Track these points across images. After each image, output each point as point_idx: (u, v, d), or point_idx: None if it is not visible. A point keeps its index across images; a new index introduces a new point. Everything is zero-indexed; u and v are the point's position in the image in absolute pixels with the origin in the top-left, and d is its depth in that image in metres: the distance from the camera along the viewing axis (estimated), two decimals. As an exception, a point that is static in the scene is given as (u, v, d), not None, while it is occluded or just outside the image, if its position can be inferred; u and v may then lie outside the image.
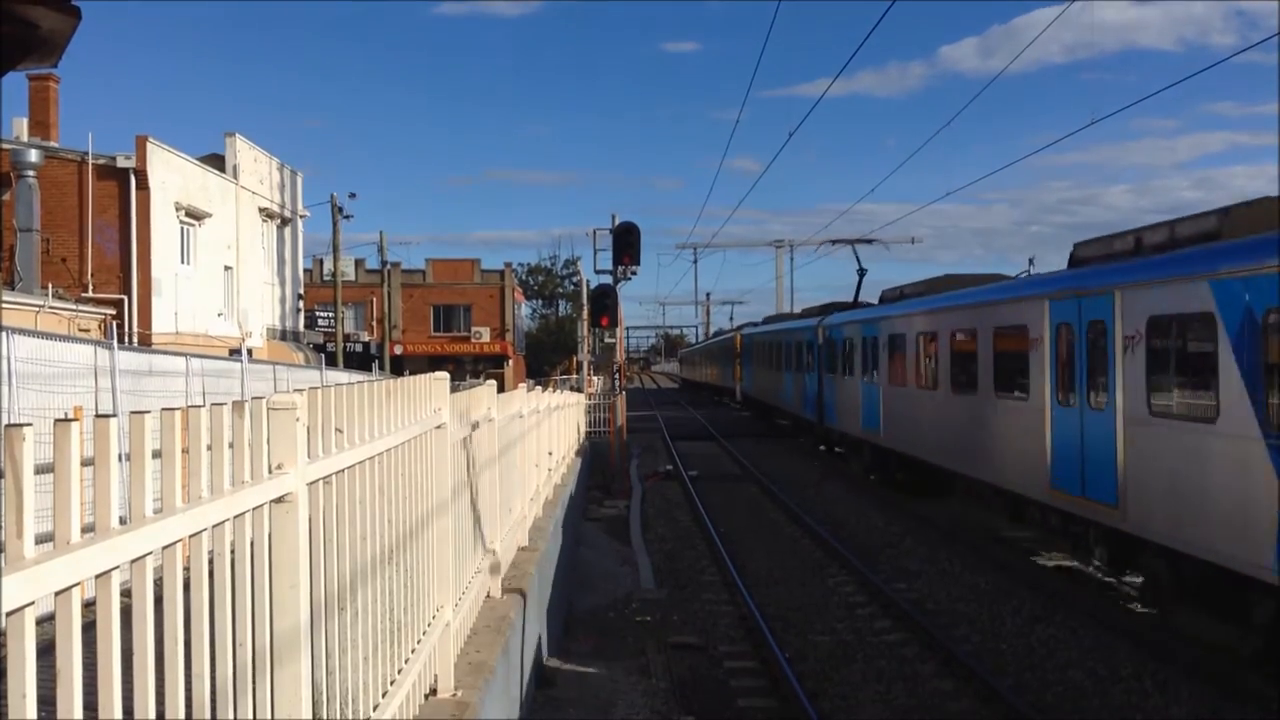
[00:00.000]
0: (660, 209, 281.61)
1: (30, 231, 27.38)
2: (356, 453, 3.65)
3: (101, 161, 28.95)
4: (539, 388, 17.23)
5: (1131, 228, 13.66)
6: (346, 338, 52.82)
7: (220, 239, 34.37)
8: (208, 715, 2.48)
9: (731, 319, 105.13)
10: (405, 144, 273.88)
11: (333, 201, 47.77)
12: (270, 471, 2.90)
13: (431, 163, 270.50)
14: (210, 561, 2.58)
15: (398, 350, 61.23)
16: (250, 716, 2.70)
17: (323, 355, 41.61)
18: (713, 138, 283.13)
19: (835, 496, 24.03)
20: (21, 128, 30.92)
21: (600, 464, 27.66)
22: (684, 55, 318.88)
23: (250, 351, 30.76)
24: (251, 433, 2.82)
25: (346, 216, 48.04)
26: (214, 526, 2.55)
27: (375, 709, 3.87)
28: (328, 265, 55.82)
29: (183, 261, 31.54)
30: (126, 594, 2.15)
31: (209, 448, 2.60)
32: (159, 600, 2.26)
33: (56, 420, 1.99)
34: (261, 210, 38.82)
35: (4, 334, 10.33)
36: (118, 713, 2.03)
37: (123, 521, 2.16)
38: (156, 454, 2.35)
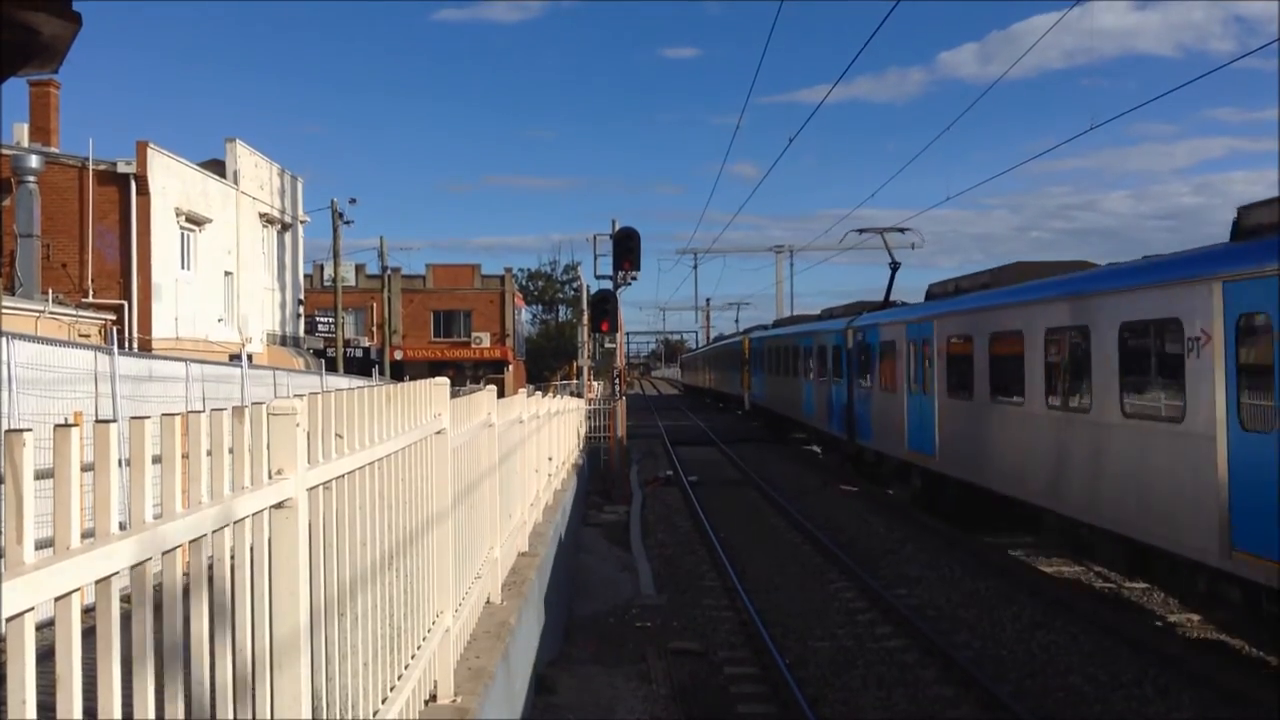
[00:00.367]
0: (660, 214, 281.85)
1: (31, 237, 27.40)
2: (356, 458, 3.65)
3: (102, 167, 28.98)
4: (539, 393, 17.23)
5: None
6: (347, 343, 52.86)
7: (220, 244, 34.39)
8: (208, 716, 2.48)
9: (737, 322, 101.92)
10: (406, 149, 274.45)
11: (333, 207, 47.83)
12: (270, 477, 2.90)
13: (432, 168, 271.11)
14: (210, 567, 2.58)
15: (398, 355, 61.24)
16: (250, 719, 2.70)
17: (323, 360, 41.62)
18: (712, 143, 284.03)
19: (836, 502, 24.01)
20: (22, 133, 30.95)
21: (600, 469, 27.64)
22: (683, 61, 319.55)
23: (250, 357, 30.75)
24: (251, 438, 2.82)
25: (347, 222, 48.13)
26: (214, 532, 2.55)
27: (375, 715, 3.87)
28: (328, 271, 55.85)
29: (183, 267, 31.56)
30: (126, 600, 2.15)
31: (209, 453, 2.60)
32: (159, 606, 2.26)
33: (56, 426, 1.99)
34: (262, 216, 38.85)
35: (4, 339, 10.33)
36: (117, 717, 2.03)
37: (123, 527, 2.16)
38: (156, 459, 2.35)
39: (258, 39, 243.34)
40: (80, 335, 24.26)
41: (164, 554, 2.27)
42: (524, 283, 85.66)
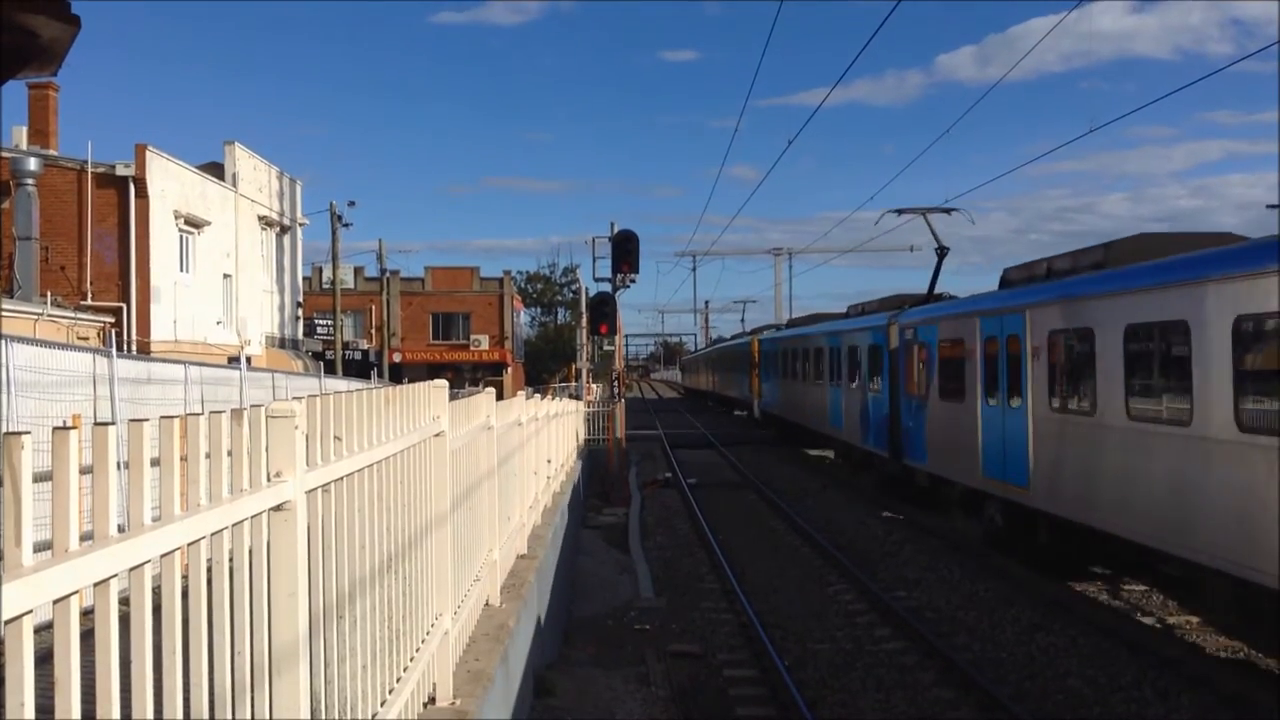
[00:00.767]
0: (659, 217, 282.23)
1: (29, 240, 27.40)
2: (355, 461, 3.65)
3: (101, 170, 28.98)
4: (538, 395, 17.22)
5: None
6: (345, 345, 52.83)
7: (219, 247, 34.38)
8: (206, 718, 2.48)
9: (743, 322, 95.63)
10: (404, 152, 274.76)
11: (332, 209, 47.82)
12: (269, 479, 2.89)
13: (431, 170, 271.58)
14: (209, 570, 2.58)
15: (397, 358, 61.22)
16: (248, 725, 2.69)
17: (322, 363, 41.59)
18: (711, 146, 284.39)
19: (835, 505, 24.01)
20: (21, 136, 30.95)
21: (599, 472, 27.64)
22: (682, 63, 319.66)
23: (249, 359, 30.74)
24: (250, 441, 2.81)
25: (345, 225, 48.11)
26: (212, 535, 2.55)
27: (374, 716, 3.87)
28: (327, 273, 55.84)
29: (182, 269, 31.55)
30: (125, 602, 2.15)
31: (207, 456, 2.60)
32: (157, 608, 2.26)
33: (55, 428, 1.99)
34: (261, 218, 38.85)
35: (3, 342, 10.33)
36: (116, 719, 2.03)
37: (121, 529, 2.16)
38: (155, 462, 2.35)
39: (257, 42, 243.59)
40: (79, 338, 24.25)
41: (162, 557, 2.27)
42: (523, 285, 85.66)
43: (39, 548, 1.87)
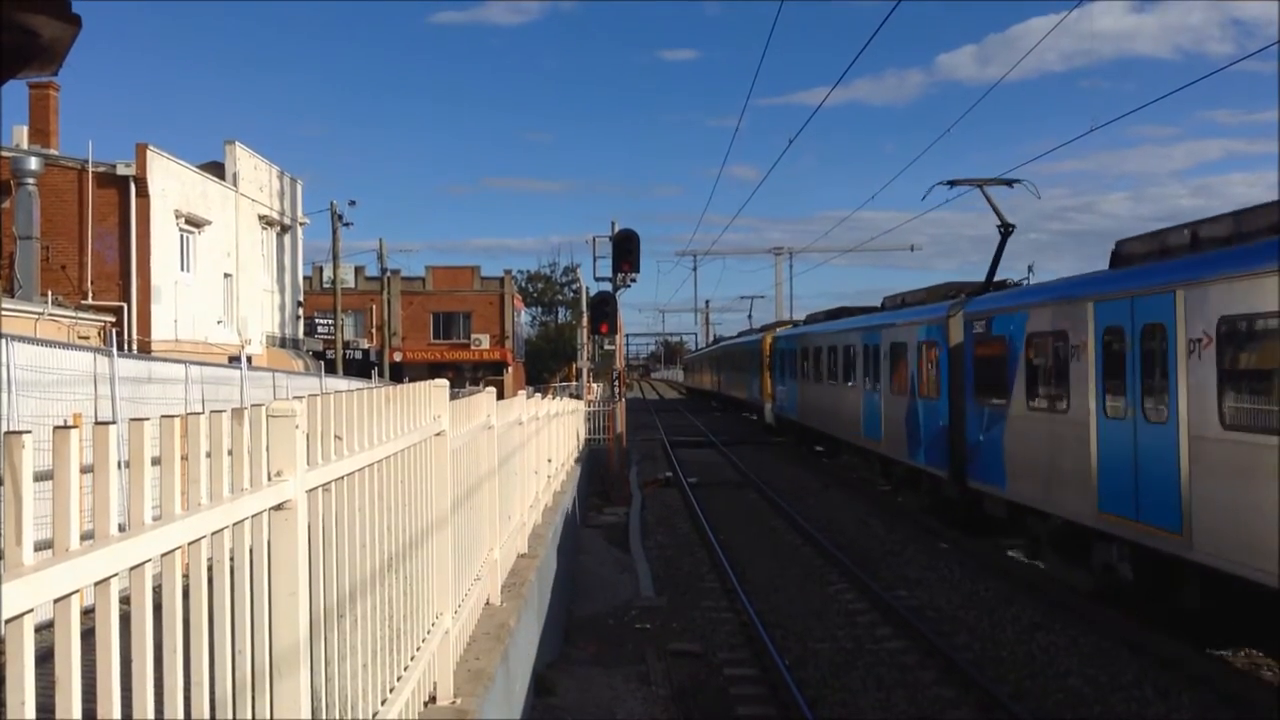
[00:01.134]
0: (659, 216, 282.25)
1: (30, 239, 27.41)
2: (356, 460, 3.65)
3: (101, 169, 28.99)
4: (538, 395, 17.22)
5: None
6: (346, 345, 52.85)
7: (220, 246, 34.39)
8: (207, 719, 2.48)
9: (750, 318, 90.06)
10: (405, 151, 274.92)
11: (332, 209, 47.83)
12: (269, 479, 2.90)
13: (431, 170, 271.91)
14: (209, 569, 2.58)
15: (397, 357, 61.23)
16: (249, 724, 2.70)
17: (322, 362, 41.62)
18: (711, 145, 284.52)
19: (836, 504, 24.00)
20: (21, 135, 30.97)
21: (600, 471, 27.64)
22: (682, 63, 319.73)
23: (250, 359, 30.75)
24: (251, 440, 2.82)
25: (346, 224, 48.14)
26: (213, 534, 2.55)
27: (374, 715, 3.87)
28: (327, 272, 55.85)
29: (182, 269, 31.56)
30: (126, 601, 2.15)
31: (208, 455, 2.60)
32: (158, 607, 2.26)
33: (56, 427, 1.99)
34: (261, 218, 38.86)
35: (4, 341, 10.33)
36: (117, 718, 2.03)
37: (122, 528, 2.16)
38: (156, 461, 2.35)
39: (257, 41, 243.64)
40: (79, 337, 24.26)
41: (163, 556, 2.28)
42: (523, 284, 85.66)
43: (40, 547, 1.87)
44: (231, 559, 2.65)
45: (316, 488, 3.21)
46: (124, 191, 28.87)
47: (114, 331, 25.30)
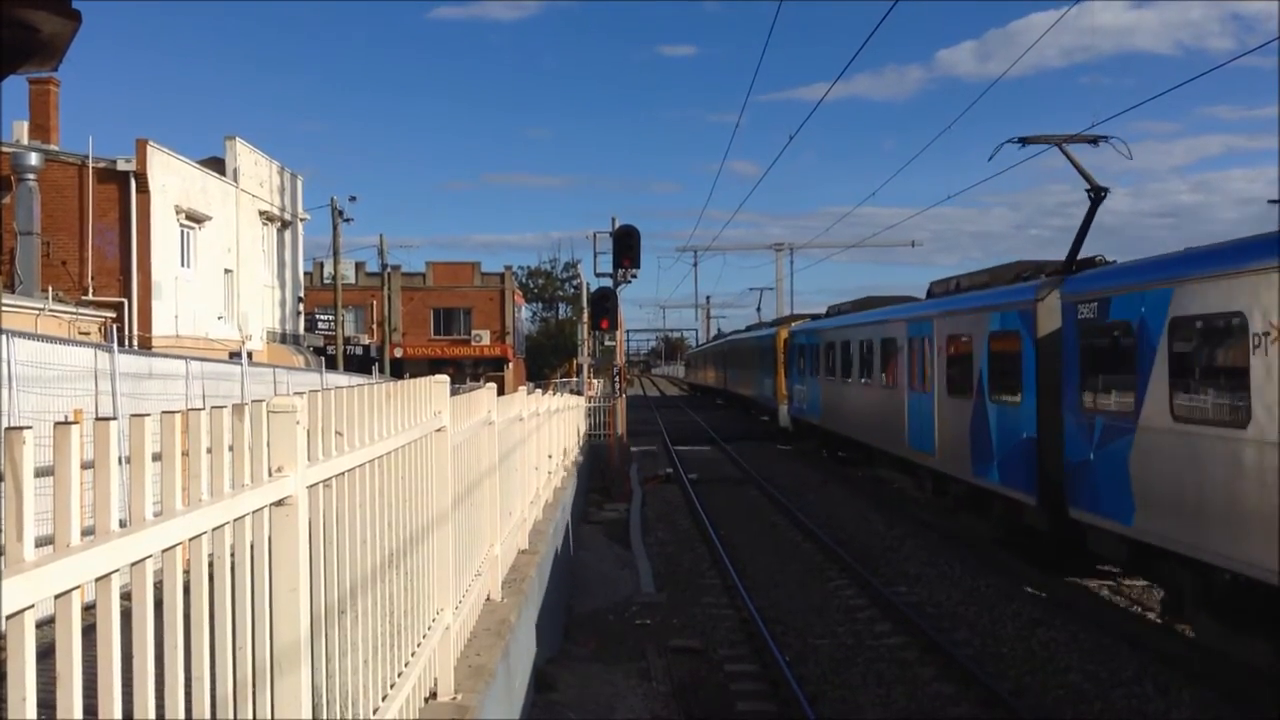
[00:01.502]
0: (659, 212, 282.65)
1: (30, 235, 27.40)
2: (356, 456, 3.65)
3: (102, 165, 28.98)
4: (539, 391, 17.23)
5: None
6: (347, 341, 52.87)
7: (220, 242, 34.39)
8: (207, 717, 2.48)
9: (759, 311, 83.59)
10: (405, 147, 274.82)
11: (333, 205, 47.82)
12: (270, 475, 2.89)
13: (431, 166, 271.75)
14: (210, 565, 2.58)
15: (398, 353, 61.24)
16: (250, 718, 2.70)
17: (323, 358, 41.61)
18: (712, 141, 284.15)
19: (836, 500, 24.00)
20: (22, 131, 30.96)
21: (600, 467, 27.65)
22: (682, 59, 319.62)
23: (250, 354, 30.76)
24: (251, 436, 2.81)
25: (346, 220, 48.11)
26: (214, 530, 2.55)
27: (375, 712, 3.87)
28: (328, 268, 55.84)
29: (183, 265, 31.56)
30: (126, 597, 2.15)
31: (209, 451, 2.59)
32: (159, 603, 2.26)
33: (56, 423, 1.99)
34: (262, 213, 38.85)
35: (4, 337, 10.33)
36: (118, 714, 2.03)
37: (123, 524, 2.16)
38: (156, 457, 2.35)
39: (257, 37, 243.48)
40: (80, 333, 24.26)
41: (164, 551, 2.27)
42: (524, 280, 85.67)
43: (41, 543, 1.87)
44: (232, 555, 2.65)
45: (317, 484, 3.21)
46: (124, 187, 28.86)
47: (114, 327, 25.26)
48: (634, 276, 28.03)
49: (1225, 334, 10.50)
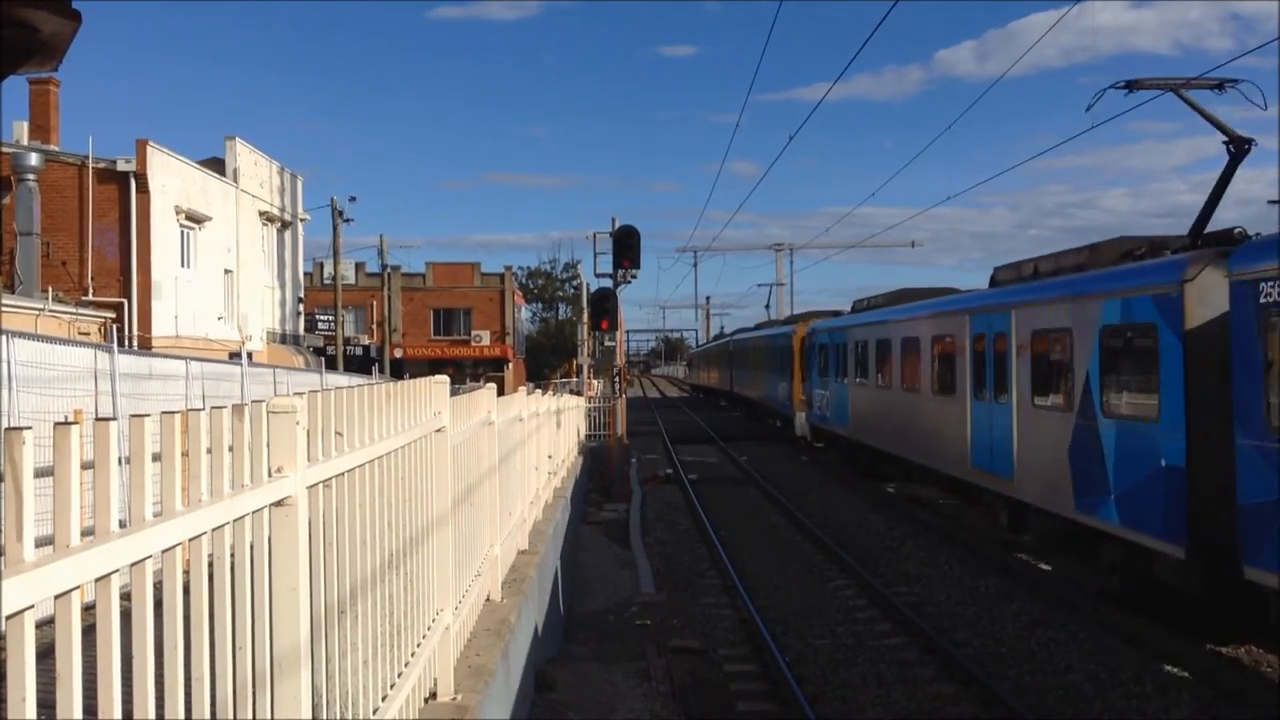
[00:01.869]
0: (659, 213, 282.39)
1: (30, 235, 27.39)
2: (356, 456, 3.65)
3: (102, 165, 28.97)
4: (539, 391, 17.23)
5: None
6: (346, 341, 52.86)
7: (220, 242, 34.38)
8: (207, 717, 2.48)
9: (768, 308, 78.66)
10: (405, 147, 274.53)
11: (333, 205, 47.80)
12: (270, 475, 2.89)
13: (431, 166, 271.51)
14: (210, 565, 2.58)
15: (398, 354, 61.24)
16: (250, 719, 2.70)
17: (323, 358, 41.60)
18: (712, 141, 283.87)
19: (836, 500, 24.00)
20: (22, 131, 30.95)
21: (600, 468, 27.65)
22: (682, 59, 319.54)
23: (250, 355, 30.74)
24: (251, 436, 2.82)
25: (346, 220, 48.08)
26: (214, 530, 2.55)
27: (375, 712, 3.87)
28: (328, 269, 55.84)
29: (183, 265, 31.56)
30: (126, 597, 2.15)
31: (209, 451, 2.60)
32: (159, 604, 2.26)
33: (56, 423, 1.99)
34: (261, 214, 38.84)
35: (4, 337, 10.33)
36: (117, 715, 2.03)
37: (122, 525, 2.16)
38: (156, 457, 2.35)
39: (257, 38, 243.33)
40: (80, 333, 24.25)
41: (164, 552, 2.27)
42: (524, 281, 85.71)
43: (40, 543, 1.87)
44: (232, 555, 2.65)
45: (317, 484, 3.21)
46: (124, 187, 28.85)
47: (114, 327, 25.28)
48: (634, 277, 28.01)
49: None
